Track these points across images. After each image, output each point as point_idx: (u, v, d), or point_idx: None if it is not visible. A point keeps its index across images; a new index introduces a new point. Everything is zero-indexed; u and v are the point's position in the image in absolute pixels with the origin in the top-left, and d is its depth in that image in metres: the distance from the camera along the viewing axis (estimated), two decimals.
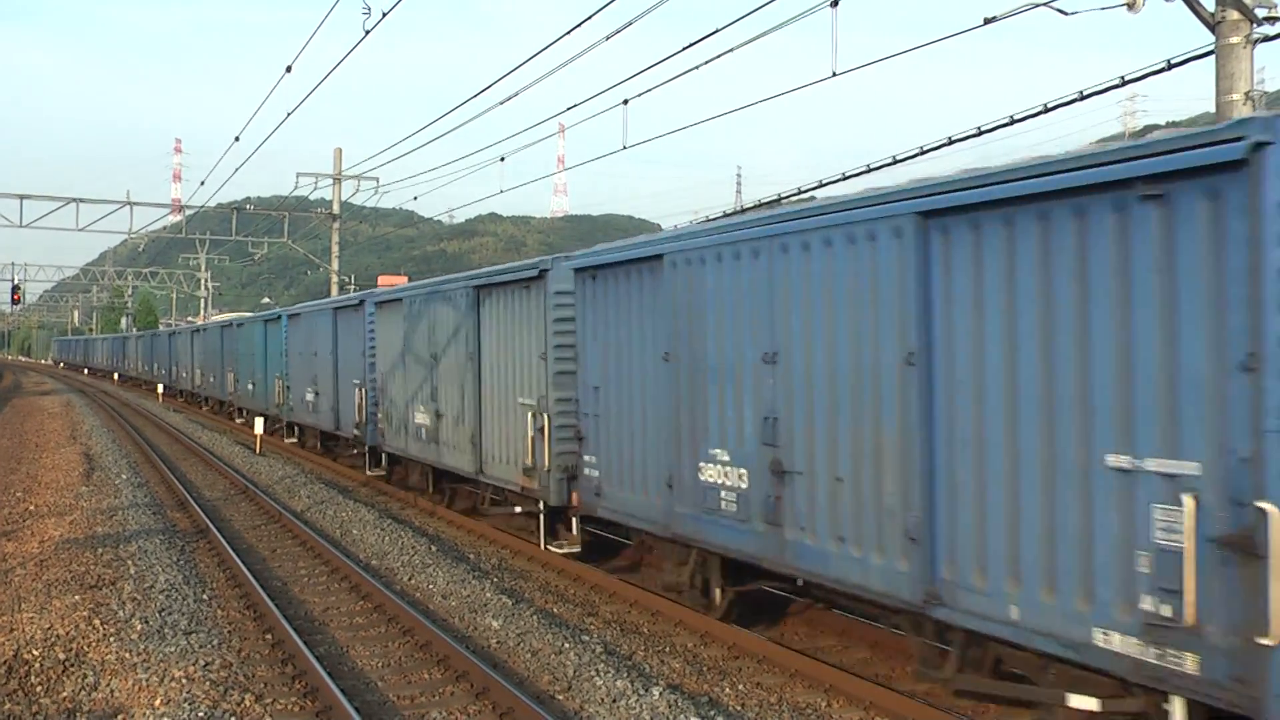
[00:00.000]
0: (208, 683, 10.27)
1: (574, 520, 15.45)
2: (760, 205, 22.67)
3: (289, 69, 21.46)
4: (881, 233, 9.33)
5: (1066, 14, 12.67)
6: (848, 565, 9.85)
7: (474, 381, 18.11)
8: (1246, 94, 11.50)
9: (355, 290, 44.93)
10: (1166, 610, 7.23)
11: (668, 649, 11.98)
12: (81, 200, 44.33)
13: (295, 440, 33.93)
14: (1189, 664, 7.19)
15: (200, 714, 9.47)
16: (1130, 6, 12.04)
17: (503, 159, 29.70)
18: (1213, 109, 11.76)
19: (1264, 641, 6.63)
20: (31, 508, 21.14)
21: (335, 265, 45.75)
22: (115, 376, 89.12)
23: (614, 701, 9.72)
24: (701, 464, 11.81)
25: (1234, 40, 11.54)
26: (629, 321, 13.28)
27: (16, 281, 66.20)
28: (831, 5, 14.80)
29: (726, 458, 11.39)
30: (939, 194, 8.72)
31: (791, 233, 10.43)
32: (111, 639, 11.67)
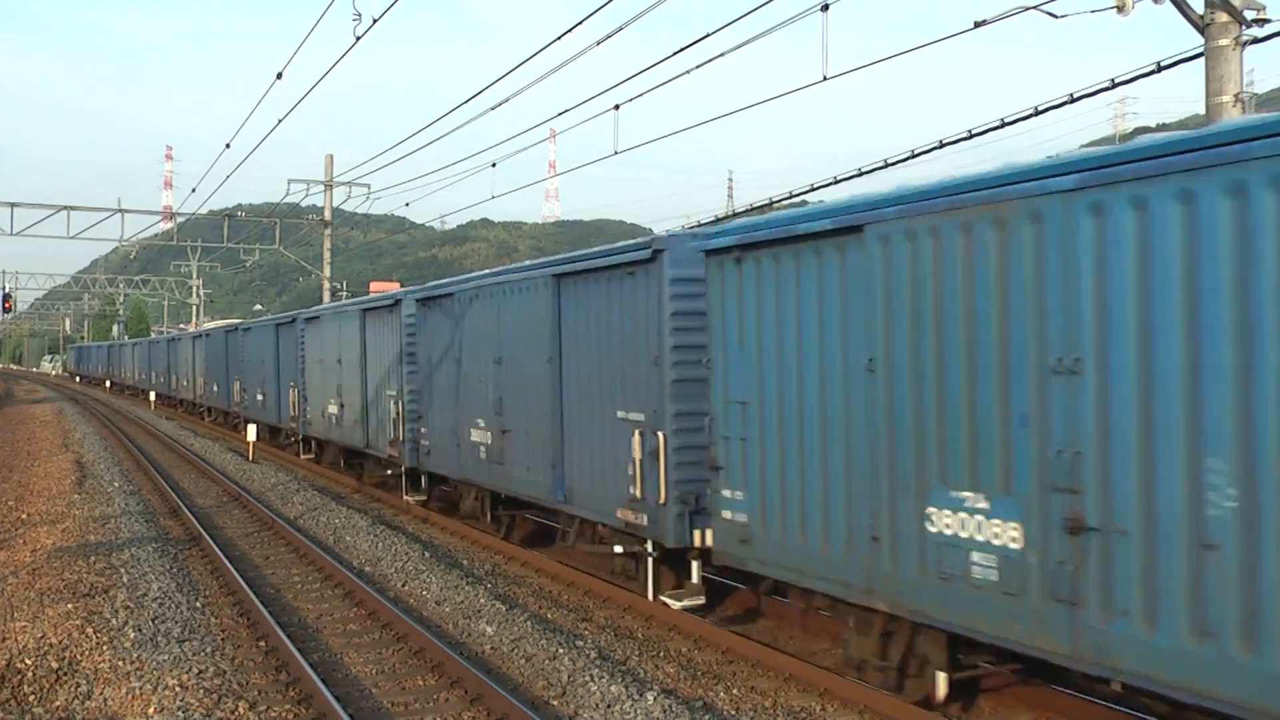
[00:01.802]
0: (201, 691, 10.25)
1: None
2: (753, 209, 22.70)
3: (280, 75, 21.44)
4: None
5: (1056, 17, 12.72)
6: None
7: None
8: (1236, 96, 11.54)
9: (347, 296, 44.88)
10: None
11: (662, 654, 11.97)
12: (72, 208, 44.21)
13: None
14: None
15: None
16: (1120, 9, 12.08)
17: (494, 165, 29.73)
18: (1203, 111, 11.80)
19: None
20: (24, 516, 21.07)
21: (327, 271, 45.69)
22: (108, 384, 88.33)
23: (608, 707, 9.71)
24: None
25: (1223, 42, 11.57)
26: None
27: (8, 290, 66.07)
28: (822, 9, 14.84)
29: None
30: None
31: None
32: (105, 647, 11.64)
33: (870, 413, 9.51)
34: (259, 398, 35.76)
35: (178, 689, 10.23)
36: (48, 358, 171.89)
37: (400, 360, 21.69)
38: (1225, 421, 6.72)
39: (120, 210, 45.13)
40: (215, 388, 44.26)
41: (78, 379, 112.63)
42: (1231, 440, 6.71)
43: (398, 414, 21.78)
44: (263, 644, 12.28)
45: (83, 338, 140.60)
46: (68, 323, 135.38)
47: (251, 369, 36.97)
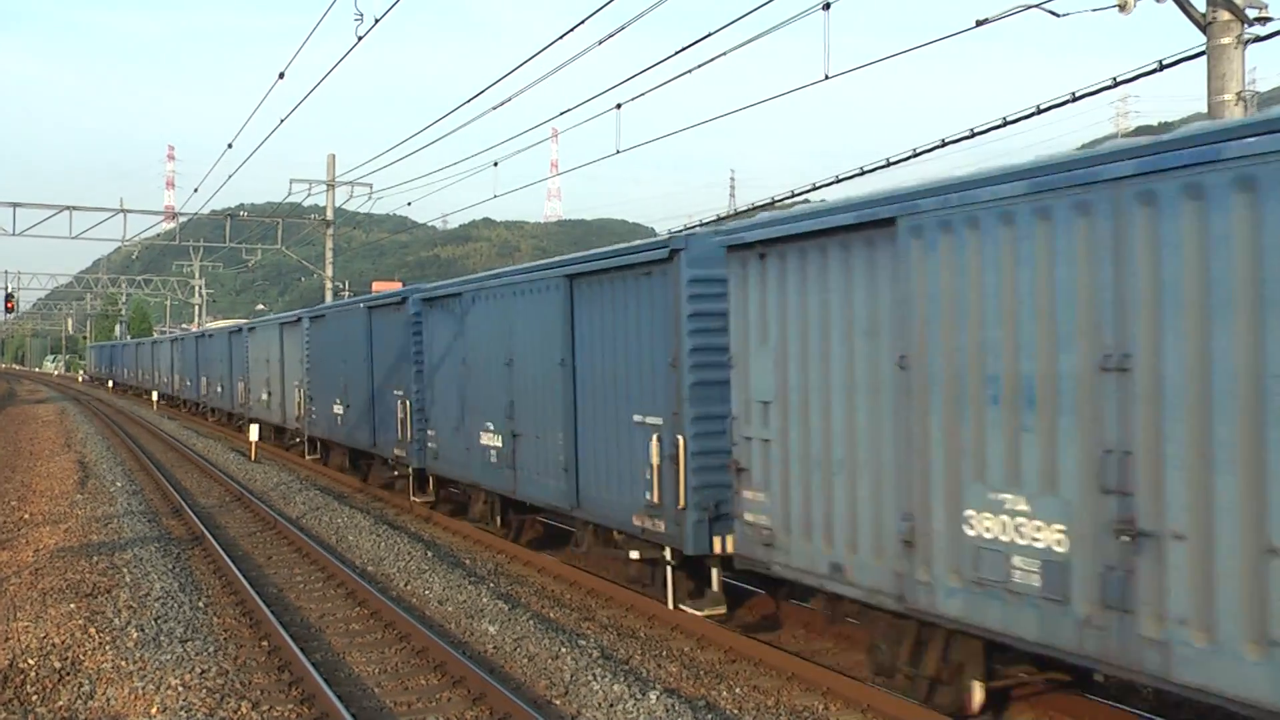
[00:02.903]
0: (204, 690, 10.25)
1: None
2: (756, 208, 22.69)
3: (282, 75, 21.45)
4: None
5: (1058, 15, 12.71)
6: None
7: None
8: (1238, 94, 11.53)
9: (350, 296, 44.85)
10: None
11: (664, 653, 11.98)
12: (75, 208, 44.25)
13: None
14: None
15: None
16: (1122, 8, 12.08)
17: (496, 164, 29.73)
18: (1205, 109, 11.79)
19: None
20: (26, 516, 21.09)
21: (329, 271, 45.71)
22: (110, 384, 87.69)
23: (611, 706, 9.71)
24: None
25: (1225, 41, 11.57)
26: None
27: (10, 290, 66.12)
28: (824, 8, 14.84)
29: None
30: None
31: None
32: (107, 647, 11.64)
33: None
34: (458, 427, 18.99)
35: (180, 689, 10.24)
36: (50, 358, 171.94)
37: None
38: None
39: (122, 210, 45.18)
40: (339, 409, 26.45)
41: (82, 379, 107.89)
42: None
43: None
44: (265, 644, 12.29)
45: (85, 338, 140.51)
46: (70, 323, 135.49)
47: (458, 381, 18.98)
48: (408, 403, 21.41)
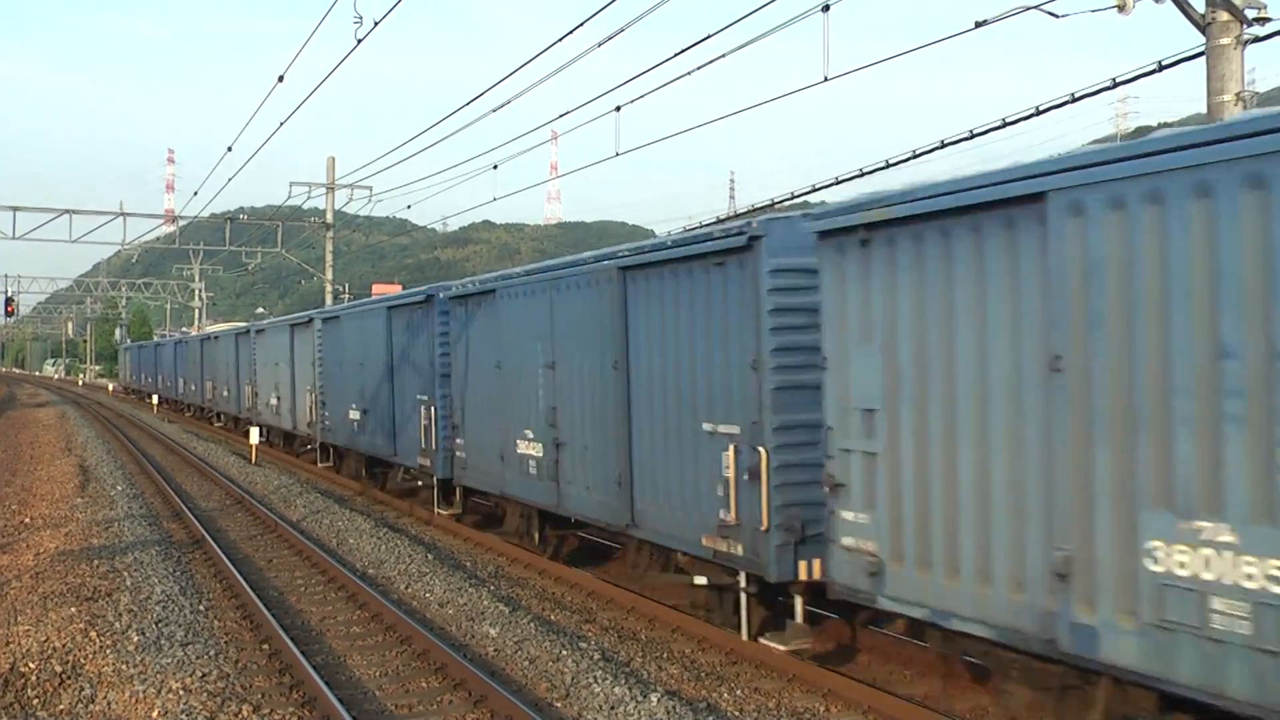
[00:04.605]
0: (205, 694, 10.25)
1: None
2: (755, 210, 22.69)
3: (281, 78, 21.47)
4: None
5: (1057, 16, 12.72)
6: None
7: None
8: (1238, 95, 11.53)
9: (350, 299, 44.81)
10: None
11: (665, 655, 11.97)
12: (74, 211, 44.21)
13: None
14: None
15: None
16: (1121, 8, 12.08)
17: (495, 167, 29.73)
18: (1204, 110, 11.79)
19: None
20: (27, 520, 21.08)
21: (329, 274, 45.70)
22: (110, 389, 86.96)
23: (612, 708, 9.71)
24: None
25: (1224, 41, 11.57)
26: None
27: (10, 294, 66.13)
28: (823, 10, 14.85)
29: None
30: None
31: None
32: (108, 651, 11.64)
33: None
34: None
35: (181, 692, 10.24)
36: (50, 361, 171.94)
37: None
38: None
39: (122, 214, 45.13)
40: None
41: (82, 383, 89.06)
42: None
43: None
44: (266, 647, 12.28)
45: (85, 342, 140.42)
46: (70, 326, 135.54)
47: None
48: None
